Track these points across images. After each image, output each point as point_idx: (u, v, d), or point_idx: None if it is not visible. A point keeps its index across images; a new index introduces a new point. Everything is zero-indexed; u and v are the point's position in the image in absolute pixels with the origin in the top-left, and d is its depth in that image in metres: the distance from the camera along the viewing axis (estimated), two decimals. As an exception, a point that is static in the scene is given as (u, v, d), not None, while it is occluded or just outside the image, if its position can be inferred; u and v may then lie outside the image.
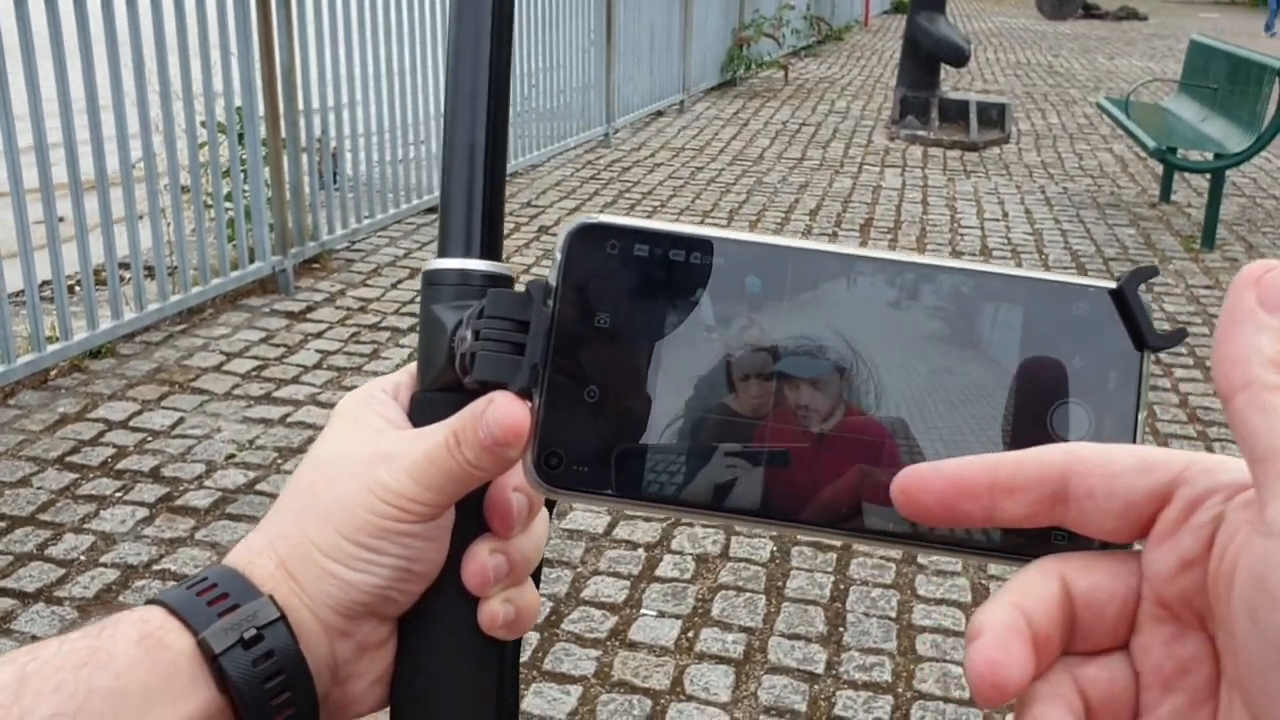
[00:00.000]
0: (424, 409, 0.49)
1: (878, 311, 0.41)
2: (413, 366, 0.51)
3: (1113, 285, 0.40)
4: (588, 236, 0.43)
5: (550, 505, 0.53)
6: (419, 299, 0.51)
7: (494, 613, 0.49)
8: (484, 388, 0.45)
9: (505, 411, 0.43)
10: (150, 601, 0.47)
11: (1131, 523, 0.33)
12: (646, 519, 3.40)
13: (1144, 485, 0.33)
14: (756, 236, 0.42)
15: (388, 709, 0.51)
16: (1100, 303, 0.40)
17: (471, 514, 0.49)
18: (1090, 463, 0.33)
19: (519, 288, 0.46)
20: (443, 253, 0.50)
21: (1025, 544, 0.39)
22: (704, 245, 0.42)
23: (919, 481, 0.35)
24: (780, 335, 0.41)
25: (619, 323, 0.42)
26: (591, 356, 0.42)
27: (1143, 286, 0.40)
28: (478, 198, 0.50)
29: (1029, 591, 0.34)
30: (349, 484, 0.47)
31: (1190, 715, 0.32)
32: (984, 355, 0.40)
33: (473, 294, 0.49)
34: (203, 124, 4.84)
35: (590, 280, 0.42)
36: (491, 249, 0.51)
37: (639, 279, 0.42)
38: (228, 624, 0.45)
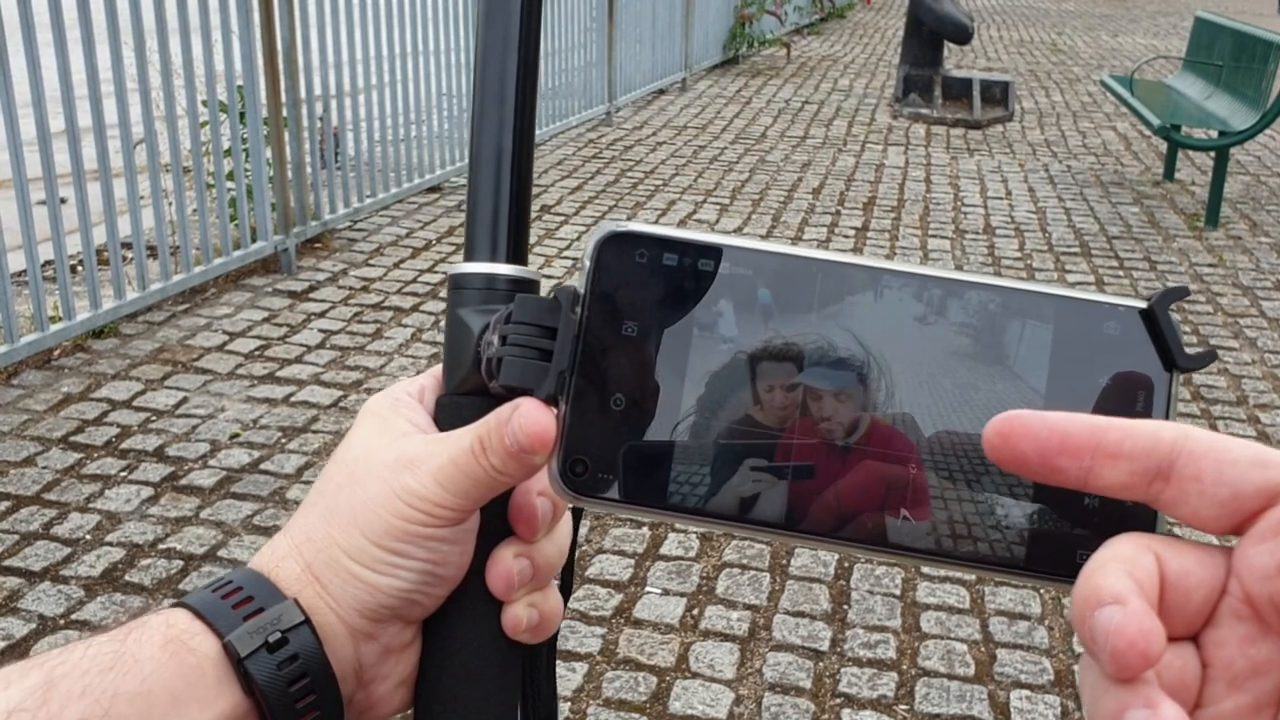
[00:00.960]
0: (449, 412, 0.49)
1: (905, 325, 0.41)
2: (437, 369, 0.51)
3: (1143, 305, 0.40)
4: (617, 244, 0.43)
5: (577, 512, 0.53)
6: (444, 302, 0.51)
7: (518, 617, 0.49)
8: (510, 393, 0.45)
9: (531, 418, 0.43)
10: (175, 604, 0.47)
11: (1232, 514, 0.32)
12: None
13: (1258, 479, 0.32)
14: (786, 247, 0.42)
15: (411, 711, 0.51)
16: (1130, 322, 0.40)
17: (496, 518, 0.49)
18: (1205, 445, 0.32)
19: (545, 293, 0.46)
20: (469, 256, 0.50)
21: (1051, 564, 0.38)
22: (732, 255, 0.42)
23: (1022, 427, 0.34)
24: (807, 347, 0.41)
25: (646, 331, 0.42)
26: (618, 365, 0.42)
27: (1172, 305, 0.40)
28: (504, 202, 0.50)
29: (1134, 563, 0.33)
30: (375, 488, 0.47)
31: (1251, 717, 0.32)
32: (1012, 372, 0.40)
33: (498, 298, 0.48)
34: (204, 103, 4.82)
35: (618, 288, 0.42)
36: (517, 253, 0.50)
37: (667, 288, 0.42)
38: (252, 627, 0.45)
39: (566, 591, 0.52)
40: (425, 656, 0.50)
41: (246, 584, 0.47)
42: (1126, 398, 0.39)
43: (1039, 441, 0.34)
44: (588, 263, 0.43)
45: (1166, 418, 0.39)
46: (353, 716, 0.49)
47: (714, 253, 0.42)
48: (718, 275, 0.42)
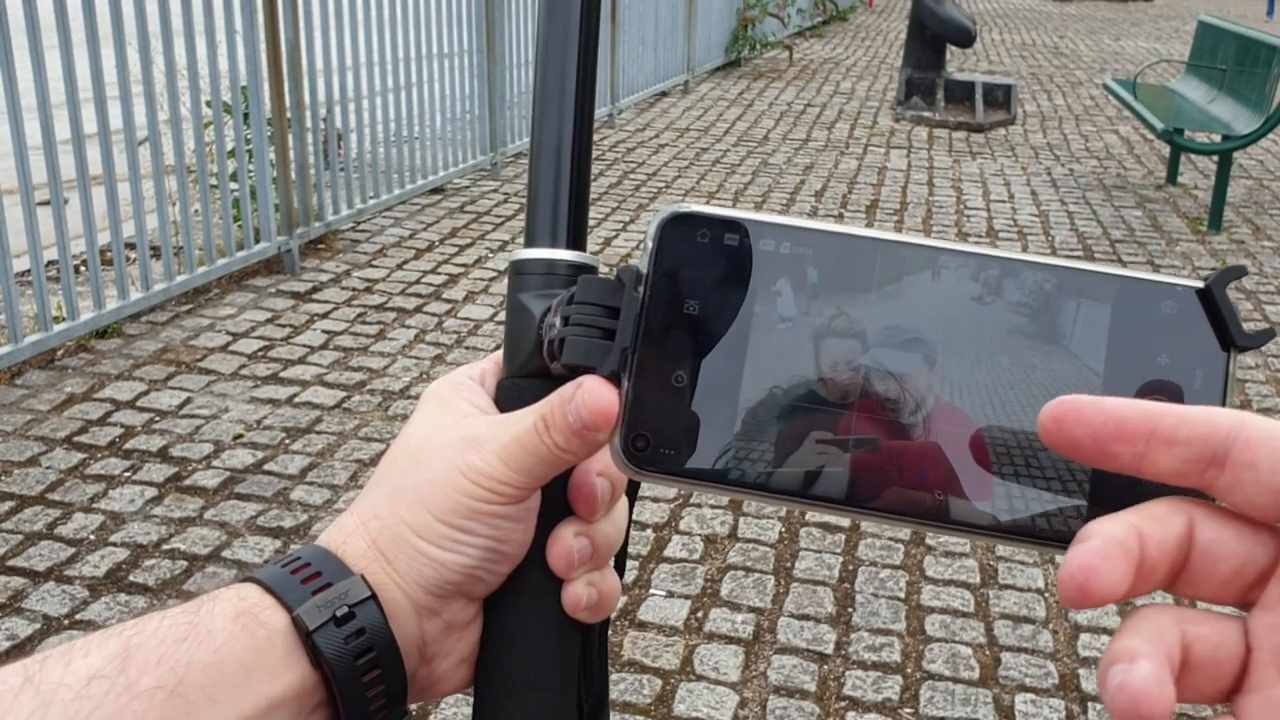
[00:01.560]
0: (511, 394, 0.50)
1: (963, 304, 0.41)
2: (498, 355, 0.53)
3: (1200, 284, 0.40)
4: (679, 225, 0.43)
5: (632, 493, 0.53)
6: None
7: (578, 595, 0.50)
8: (572, 372, 0.46)
9: (594, 395, 0.44)
10: (246, 578, 0.48)
11: None
12: (654, 499, 3.40)
13: None
14: (845, 228, 0.43)
15: (472, 687, 0.52)
16: (1187, 301, 0.40)
17: (556, 498, 0.50)
18: (1263, 433, 0.32)
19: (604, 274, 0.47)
20: (530, 243, 0.52)
21: None
22: (793, 235, 0.43)
23: (1075, 412, 0.34)
24: (868, 325, 0.42)
25: (708, 310, 0.43)
26: (680, 342, 0.43)
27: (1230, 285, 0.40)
28: (564, 191, 0.52)
29: (1153, 517, 0.33)
30: (440, 467, 0.48)
31: None
32: (1069, 352, 0.41)
33: (559, 283, 0.50)
34: (208, 104, 4.82)
35: (681, 268, 0.43)
36: (577, 240, 0.52)
37: (729, 267, 0.43)
38: (320, 601, 0.46)
39: (620, 572, 0.53)
40: (486, 633, 0.51)
41: (315, 560, 0.48)
42: (1185, 376, 0.39)
43: (1093, 427, 0.34)
44: (650, 243, 0.44)
45: (1224, 396, 0.39)
46: (416, 691, 0.50)
47: (774, 232, 0.43)
48: (778, 254, 0.43)
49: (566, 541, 0.49)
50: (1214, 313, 0.40)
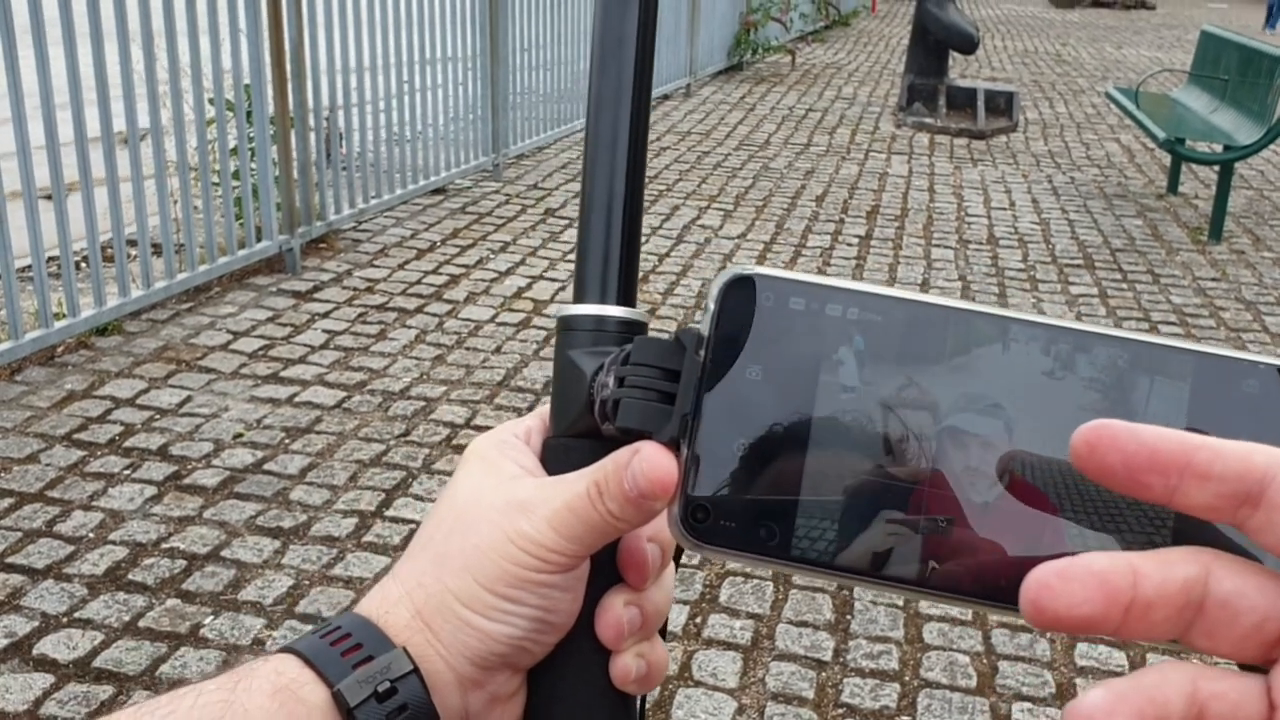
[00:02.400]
0: (559, 455, 0.49)
1: (1036, 379, 0.40)
2: (543, 410, 0.51)
3: None
4: (742, 287, 0.42)
5: (677, 556, 0.52)
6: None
7: (627, 667, 0.48)
8: (626, 436, 0.44)
9: (653, 463, 0.42)
10: (284, 649, 0.47)
11: None
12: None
13: None
14: (913, 294, 0.41)
15: None
16: (1270, 380, 0.38)
17: (605, 565, 0.49)
18: None
19: (652, 332, 0.46)
20: (579, 298, 0.50)
21: None
22: (860, 300, 0.41)
23: (1110, 439, 0.32)
24: (938, 397, 0.40)
25: (771, 376, 0.41)
26: (742, 409, 0.41)
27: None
28: (615, 245, 0.51)
29: (1159, 559, 0.32)
30: (487, 532, 0.47)
31: None
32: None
33: (608, 339, 0.49)
34: (211, 101, 4.82)
35: (743, 331, 0.42)
36: (627, 295, 0.50)
37: (793, 332, 0.41)
38: (362, 676, 0.45)
39: (661, 634, 0.51)
40: (532, 706, 0.49)
41: (356, 630, 0.47)
42: None
43: (1127, 455, 0.32)
44: (712, 305, 0.42)
45: None
46: None
47: (841, 297, 0.41)
48: (845, 320, 0.41)
49: (616, 611, 0.48)
50: None
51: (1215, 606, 0.32)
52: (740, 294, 0.42)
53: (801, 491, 0.41)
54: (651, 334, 0.47)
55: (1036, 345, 0.40)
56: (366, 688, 0.45)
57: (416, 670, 0.46)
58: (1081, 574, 0.31)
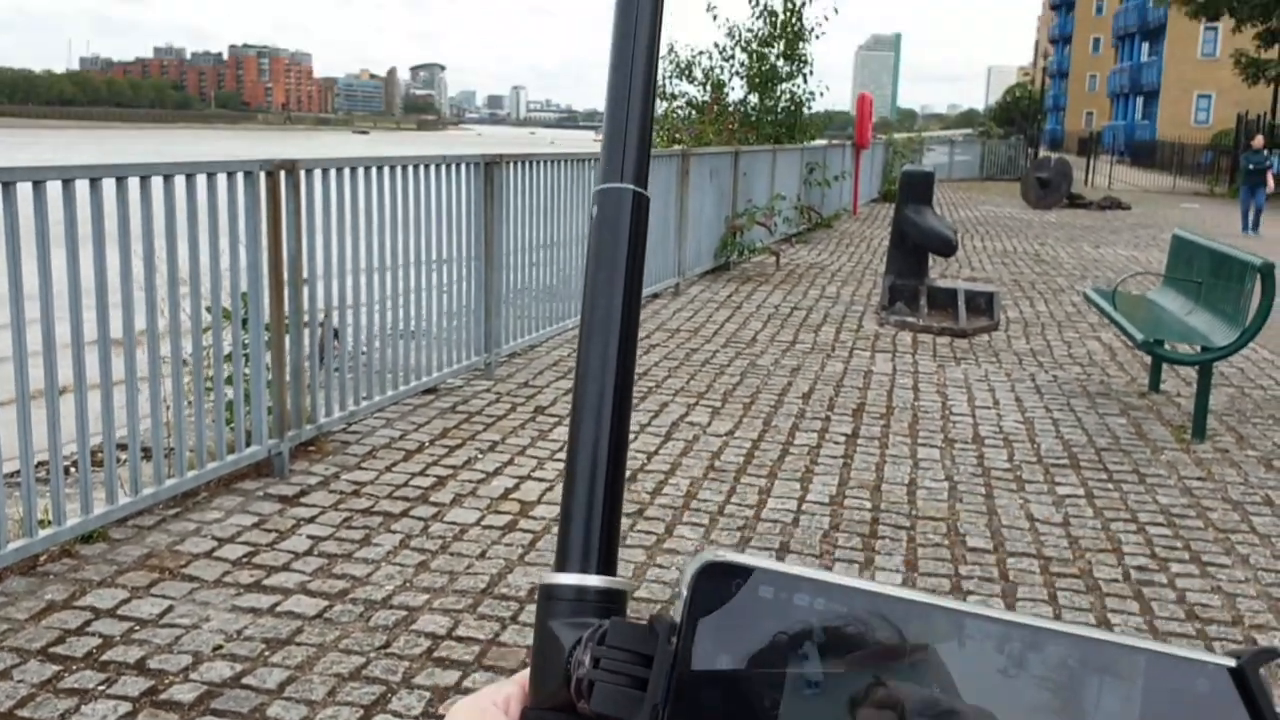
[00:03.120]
0: None
1: (993, 677, 0.40)
2: (522, 677, 0.52)
3: (1232, 663, 0.39)
4: (713, 574, 0.43)
5: None
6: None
7: None
8: (600, 719, 0.45)
9: None
10: None
11: None
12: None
13: None
14: (877, 586, 0.42)
15: None
16: (1219, 681, 0.39)
17: None
18: None
19: (632, 614, 0.47)
20: (560, 566, 0.51)
21: None
22: (830, 591, 0.42)
23: None
24: (905, 693, 0.41)
25: (743, 666, 0.42)
26: (714, 700, 0.42)
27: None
28: (597, 514, 0.52)
29: None
30: None
31: None
32: None
33: (589, 610, 0.50)
34: (208, 309, 4.93)
35: (714, 619, 0.43)
36: (608, 563, 0.52)
37: (764, 622, 0.42)
38: None
39: None
40: None
41: None
42: None
43: None
44: (685, 592, 0.43)
45: None
46: None
47: (810, 587, 0.42)
48: (815, 611, 0.42)
49: None
50: (1247, 694, 0.39)
51: None
52: (711, 581, 0.43)
53: None
54: (630, 616, 0.48)
55: (990, 643, 0.41)
56: None
57: None
58: None
